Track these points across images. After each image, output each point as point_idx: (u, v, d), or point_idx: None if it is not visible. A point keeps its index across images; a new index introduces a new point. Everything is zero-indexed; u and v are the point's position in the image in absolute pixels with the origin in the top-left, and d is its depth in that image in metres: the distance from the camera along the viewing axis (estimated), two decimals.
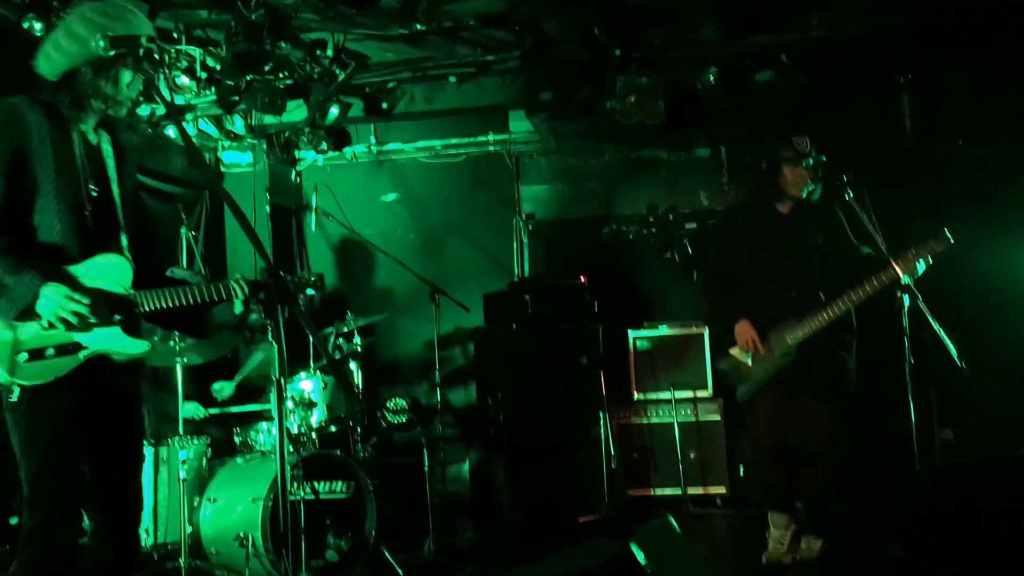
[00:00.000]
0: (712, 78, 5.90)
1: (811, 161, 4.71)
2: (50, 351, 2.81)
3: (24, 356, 2.77)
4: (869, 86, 6.35)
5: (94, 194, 3.00)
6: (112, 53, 2.94)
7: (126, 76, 3.00)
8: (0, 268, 2.74)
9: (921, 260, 4.43)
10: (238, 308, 3.09)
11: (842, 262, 4.75)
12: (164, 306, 3.03)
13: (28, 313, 2.79)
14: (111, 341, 2.95)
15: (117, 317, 2.96)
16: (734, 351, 4.86)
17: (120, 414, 3.07)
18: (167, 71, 5.42)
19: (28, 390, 2.79)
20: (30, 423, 2.82)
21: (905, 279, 4.41)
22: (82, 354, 2.88)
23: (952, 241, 4.44)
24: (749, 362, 4.78)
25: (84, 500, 2.93)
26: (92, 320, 2.88)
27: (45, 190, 2.89)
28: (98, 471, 2.97)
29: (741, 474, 6.34)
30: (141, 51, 2.97)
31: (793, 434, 4.79)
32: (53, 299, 2.79)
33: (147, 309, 3.03)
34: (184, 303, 3.05)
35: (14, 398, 2.76)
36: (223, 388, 5.64)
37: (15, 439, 2.86)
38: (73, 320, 2.82)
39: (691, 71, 6.01)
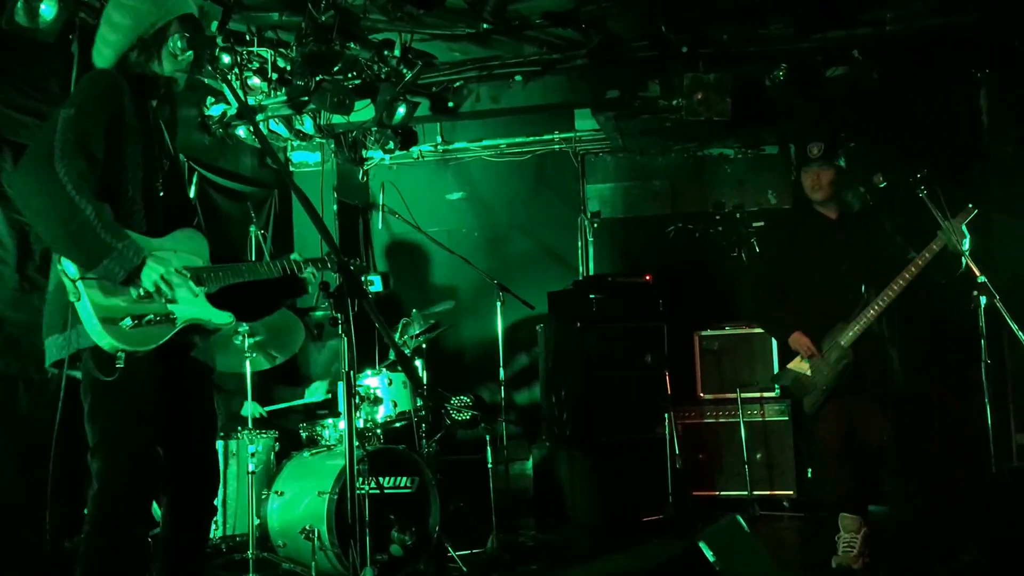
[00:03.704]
0: (782, 74, 5.81)
1: (819, 165, 4.70)
2: (150, 317, 2.84)
3: (128, 322, 2.80)
4: (945, 82, 6.18)
5: (166, 167, 3.08)
6: (188, 51, 3.03)
7: (175, 48, 3.03)
8: (110, 233, 2.76)
9: (956, 237, 4.41)
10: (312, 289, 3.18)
11: (892, 264, 4.69)
12: (240, 279, 3.11)
13: (131, 279, 2.81)
14: (199, 310, 3.00)
15: (204, 288, 3.02)
16: (793, 364, 4.85)
17: (198, 387, 3.13)
18: (239, 72, 5.53)
19: (130, 356, 2.80)
20: (121, 392, 2.82)
21: (963, 247, 4.39)
22: (179, 322, 2.92)
23: (975, 211, 4.44)
24: (809, 372, 4.78)
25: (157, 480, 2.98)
26: (195, 291, 2.95)
27: (132, 162, 2.93)
28: (174, 446, 3.01)
29: (809, 476, 6.23)
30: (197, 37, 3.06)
31: (860, 434, 4.76)
32: (156, 268, 2.83)
33: (227, 282, 3.09)
34: (254, 278, 3.14)
35: (120, 363, 2.77)
36: (255, 410, 5.68)
37: (99, 409, 2.87)
38: (168, 292, 2.85)
39: (760, 67, 5.93)
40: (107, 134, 2.88)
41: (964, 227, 4.45)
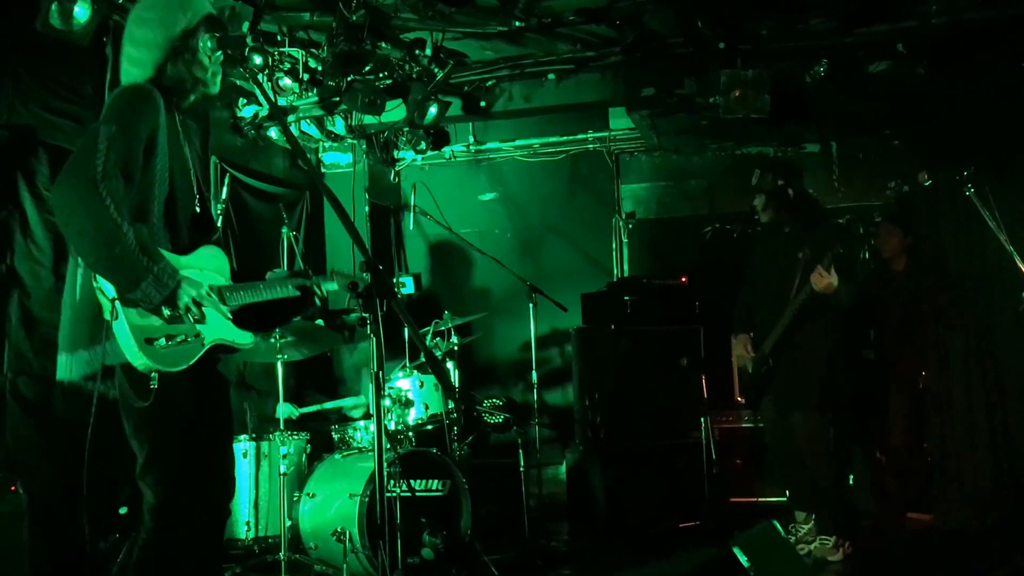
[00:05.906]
0: (823, 70, 5.68)
1: (757, 194, 5.24)
2: (181, 337, 2.84)
3: (162, 342, 2.79)
4: (992, 76, 6.01)
5: (193, 183, 3.05)
6: (216, 50, 2.99)
7: (206, 49, 2.99)
8: (147, 256, 2.74)
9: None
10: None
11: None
12: (258, 299, 3.11)
13: (167, 302, 2.79)
14: (224, 331, 3.00)
15: (228, 308, 3.01)
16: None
17: (216, 394, 3.10)
18: (270, 73, 5.52)
19: (162, 376, 2.79)
20: (163, 411, 2.81)
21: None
22: (207, 342, 2.92)
23: (835, 252, 4.76)
24: (750, 369, 5.28)
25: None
26: (225, 312, 2.96)
27: (159, 179, 2.90)
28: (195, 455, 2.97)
29: (851, 482, 6.09)
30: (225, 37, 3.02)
31: (790, 443, 5.12)
32: (189, 291, 2.83)
33: (245, 302, 3.08)
34: (271, 297, 3.15)
35: (154, 384, 2.76)
36: (288, 411, 5.67)
37: (142, 429, 2.86)
38: (198, 314, 2.85)
39: (800, 63, 5.80)
40: (147, 151, 2.86)
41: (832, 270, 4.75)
